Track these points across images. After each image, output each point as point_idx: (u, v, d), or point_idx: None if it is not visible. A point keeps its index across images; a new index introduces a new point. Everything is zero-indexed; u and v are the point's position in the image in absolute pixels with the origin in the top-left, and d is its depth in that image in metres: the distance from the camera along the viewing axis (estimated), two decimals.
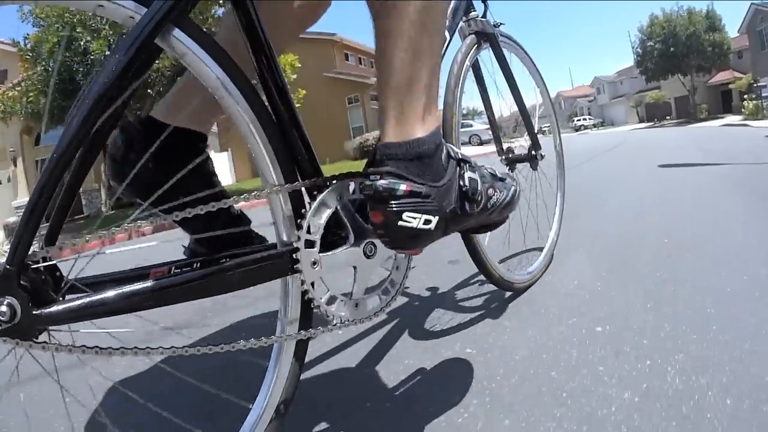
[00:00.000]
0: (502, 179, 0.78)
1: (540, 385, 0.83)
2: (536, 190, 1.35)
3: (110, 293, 0.58)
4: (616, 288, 1.22)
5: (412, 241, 0.66)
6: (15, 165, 11.99)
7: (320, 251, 0.72)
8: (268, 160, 0.66)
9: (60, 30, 8.62)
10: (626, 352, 0.89)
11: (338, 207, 0.74)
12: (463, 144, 1.05)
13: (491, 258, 1.12)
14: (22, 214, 0.56)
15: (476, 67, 1.19)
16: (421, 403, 0.84)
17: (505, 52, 1.24)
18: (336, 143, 18.00)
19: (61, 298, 0.58)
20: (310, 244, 0.72)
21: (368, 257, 0.77)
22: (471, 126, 22.09)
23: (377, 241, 0.76)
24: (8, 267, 0.53)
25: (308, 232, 0.71)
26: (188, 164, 0.69)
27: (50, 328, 0.56)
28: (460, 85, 1.07)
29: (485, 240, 1.10)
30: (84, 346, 0.57)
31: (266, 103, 0.67)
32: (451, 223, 0.68)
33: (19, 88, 9.01)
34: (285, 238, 0.70)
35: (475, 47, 1.15)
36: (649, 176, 3.65)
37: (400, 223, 0.63)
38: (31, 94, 8.77)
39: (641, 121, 36.23)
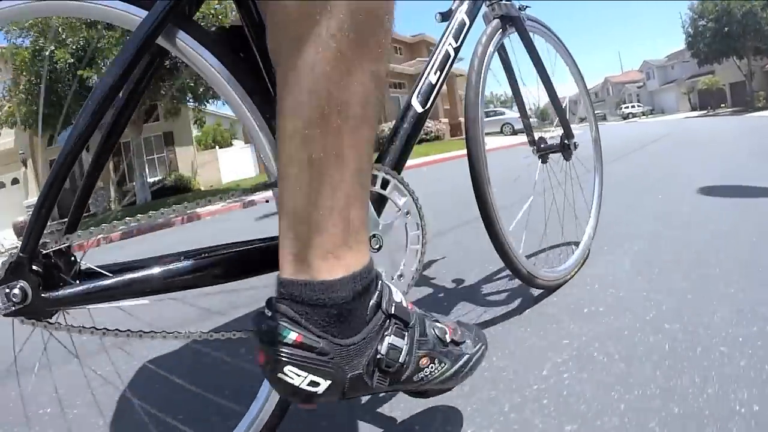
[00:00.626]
0: (453, 344, 0.62)
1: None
2: (565, 184, 1.27)
3: (119, 278, 0.61)
4: None
5: (295, 398, 0.51)
6: (25, 166, 12.72)
7: None
8: (271, 156, 0.64)
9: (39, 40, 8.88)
10: None
11: None
12: (495, 134, 1.00)
13: (518, 252, 1.06)
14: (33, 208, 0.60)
15: (502, 53, 1.13)
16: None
17: (534, 36, 1.17)
18: None
19: (75, 283, 0.61)
20: None
21: (373, 251, 0.74)
22: (503, 114, 20.40)
23: (381, 235, 0.74)
24: (21, 254, 0.58)
25: None
26: None
27: (69, 309, 0.61)
28: (483, 71, 1.02)
29: (511, 228, 1.05)
30: (93, 327, 0.62)
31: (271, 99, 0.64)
32: (351, 390, 0.53)
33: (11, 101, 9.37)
34: None
35: (500, 32, 1.09)
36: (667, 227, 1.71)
37: (280, 375, 0.50)
38: (23, 107, 9.15)
39: (693, 109, 34.14)
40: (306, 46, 0.46)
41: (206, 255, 0.69)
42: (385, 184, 0.77)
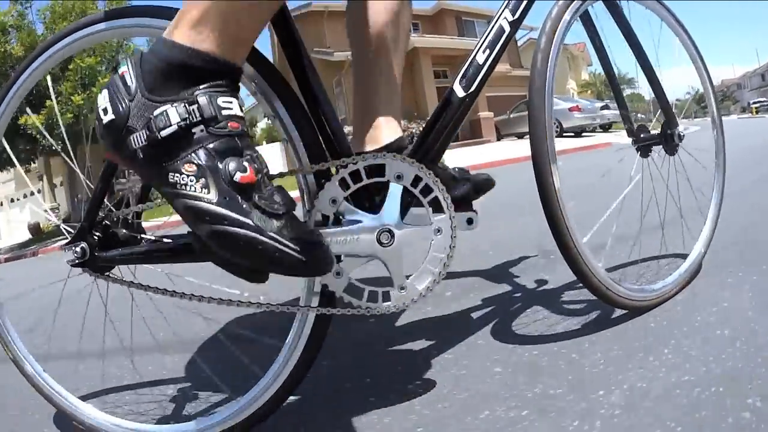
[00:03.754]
0: (244, 194, 0.54)
1: None
2: (667, 182, 1.04)
3: (153, 246, 0.74)
4: None
5: (97, 126, 0.60)
6: (41, 180, 16.20)
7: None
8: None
9: None
10: None
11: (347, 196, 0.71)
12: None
13: (593, 261, 0.88)
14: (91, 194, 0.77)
15: (587, 21, 0.95)
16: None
17: (634, 5, 0.96)
18: None
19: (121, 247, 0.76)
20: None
21: (383, 246, 0.71)
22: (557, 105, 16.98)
23: (395, 230, 0.71)
24: (84, 224, 0.74)
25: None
26: None
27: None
28: (553, 50, 0.87)
29: (588, 238, 0.89)
30: (131, 282, 0.75)
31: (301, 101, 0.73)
32: (117, 140, 0.57)
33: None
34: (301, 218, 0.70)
35: None
36: None
37: (98, 96, 0.62)
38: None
39: None
40: None
41: None
42: (416, 182, 0.73)
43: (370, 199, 0.76)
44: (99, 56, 10.47)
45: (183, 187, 0.54)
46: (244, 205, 0.53)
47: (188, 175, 0.53)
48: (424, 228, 0.74)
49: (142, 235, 0.79)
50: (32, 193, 15.83)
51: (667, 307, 0.97)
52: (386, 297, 0.74)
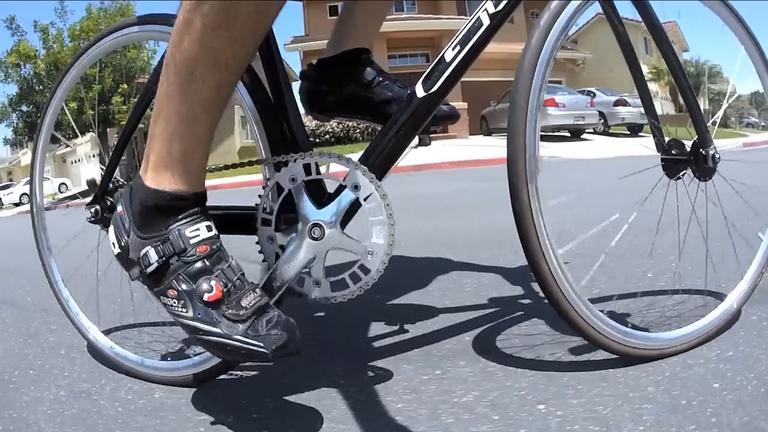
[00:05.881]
0: (213, 307, 0.65)
1: None
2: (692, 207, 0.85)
3: None
4: None
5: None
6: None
7: (275, 229, 0.76)
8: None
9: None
10: None
11: (291, 189, 0.74)
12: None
13: (577, 299, 0.76)
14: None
15: (611, 14, 0.81)
16: None
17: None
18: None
19: None
20: (266, 221, 0.75)
21: (314, 239, 0.73)
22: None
23: (326, 226, 0.72)
24: (98, 191, 0.92)
25: (264, 211, 0.75)
26: (356, 76, 0.99)
27: None
28: (547, 47, 0.76)
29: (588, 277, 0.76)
30: None
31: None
32: (128, 266, 0.70)
33: None
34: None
35: None
36: None
37: (108, 232, 0.75)
38: None
39: None
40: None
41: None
42: (356, 188, 0.73)
43: (321, 194, 0.78)
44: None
45: (171, 307, 0.67)
46: (215, 317, 0.65)
47: (172, 298, 0.66)
48: (358, 244, 0.74)
49: None
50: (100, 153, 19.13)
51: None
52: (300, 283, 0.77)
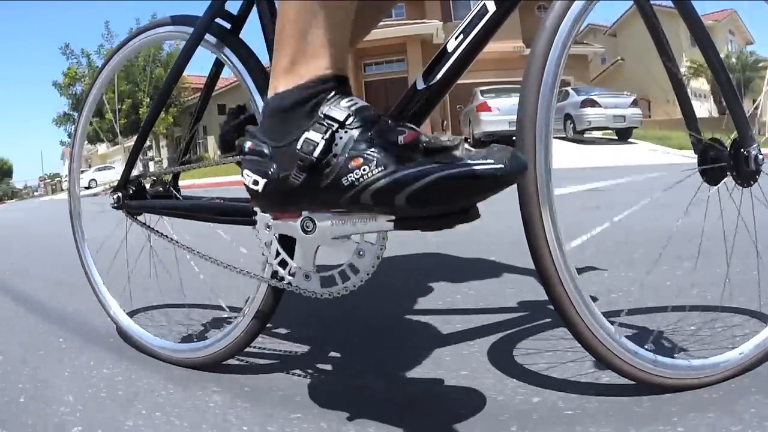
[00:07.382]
0: (414, 150, 0.55)
1: None
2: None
3: (167, 203, 0.95)
4: None
5: (256, 200, 0.66)
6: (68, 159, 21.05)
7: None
8: None
9: None
10: None
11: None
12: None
13: (589, 314, 0.69)
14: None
15: (646, 11, 0.74)
16: None
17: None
18: None
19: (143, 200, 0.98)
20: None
21: (306, 233, 0.72)
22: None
23: (317, 219, 0.71)
24: (119, 180, 0.98)
25: None
26: None
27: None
28: (560, 37, 0.70)
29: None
30: (149, 227, 0.97)
31: None
32: (282, 194, 0.62)
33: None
34: None
35: None
36: None
37: (242, 178, 0.65)
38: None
39: None
40: None
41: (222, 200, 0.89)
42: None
43: None
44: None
45: (362, 179, 0.56)
46: (419, 158, 0.55)
47: (359, 167, 0.56)
48: (348, 242, 0.71)
49: (169, 192, 0.98)
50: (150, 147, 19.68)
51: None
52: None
